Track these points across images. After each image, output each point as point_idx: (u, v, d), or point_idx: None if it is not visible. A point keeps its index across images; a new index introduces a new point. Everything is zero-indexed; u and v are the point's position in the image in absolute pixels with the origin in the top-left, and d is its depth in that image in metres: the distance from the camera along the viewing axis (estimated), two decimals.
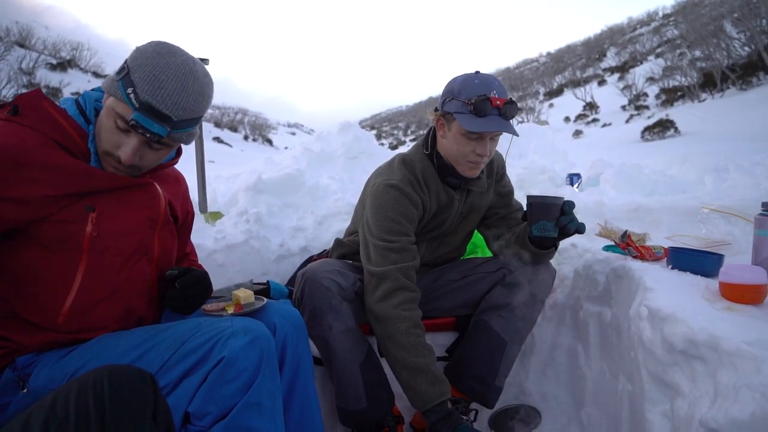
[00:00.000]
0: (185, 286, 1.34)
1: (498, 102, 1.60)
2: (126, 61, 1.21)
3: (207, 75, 1.28)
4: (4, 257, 1.17)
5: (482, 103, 1.59)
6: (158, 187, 1.38)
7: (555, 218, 1.60)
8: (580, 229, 1.62)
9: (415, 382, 1.57)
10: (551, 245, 1.75)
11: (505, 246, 1.89)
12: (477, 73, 1.68)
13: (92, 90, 1.35)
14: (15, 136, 1.14)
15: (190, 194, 1.66)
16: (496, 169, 1.95)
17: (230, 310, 1.35)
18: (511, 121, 1.64)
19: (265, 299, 1.42)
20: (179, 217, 1.50)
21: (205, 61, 3.12)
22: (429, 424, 1.56)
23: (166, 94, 1.18)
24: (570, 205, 1.61)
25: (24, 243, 1.17)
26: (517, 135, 1.66)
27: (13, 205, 1.12)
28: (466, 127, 1.60)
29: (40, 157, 1.15)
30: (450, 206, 1.84)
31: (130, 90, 1.17)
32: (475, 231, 2.07)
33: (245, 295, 1.39)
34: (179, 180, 1.56)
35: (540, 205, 1.61)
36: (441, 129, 1.74)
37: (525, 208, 1.69)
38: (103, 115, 1.23)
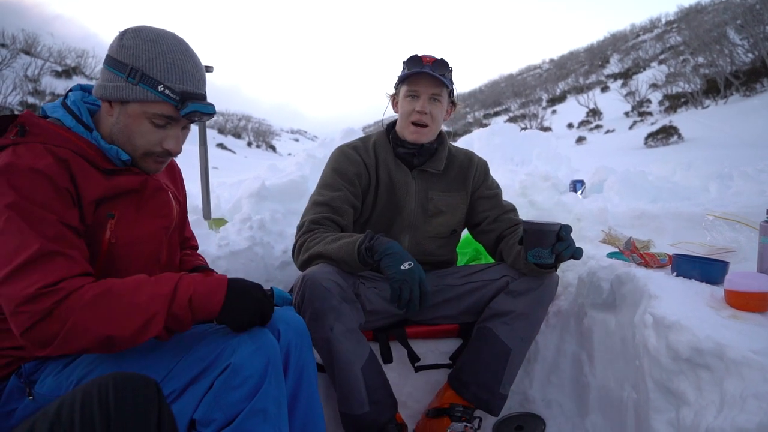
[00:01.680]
0: None
1: (428, 59, 1.84)
2: (125, 63, 1.19)
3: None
4: None
5: (413, 60, 1.85)
6: (169, 194, 1.39)
7: (551, 245, 1.57)
8: (576, 255, 1.59)
9: (340, 242, 1.66)
10: (549, 267, 1.74)
11: (506, 259, 1.89)
12: None
13: (70, 91, 1.32)
14: (48, 156, 1.13)
15: (194, 201, 1.68)
16: (475, 171, 2.03)
17: None
18: (444, 77, 1.83)
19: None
20: (179, 201, 1.53)
21: (208, 68, 3.14)
22: (367, 252, 1.60)
23: (190, 75, 1.22)
24: (566, 230, 1.58)
25: None
26: (449, 86, 1.87)
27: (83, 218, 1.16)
28: (400, 77, 1.87)
29: (75, 166, 1.16)
30: (405, 182, 1.95)
31: (161, 87, 1.18)
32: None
33: None
34: (173, 167, 1.57)
35: (535, 232, 1.57)
36: (395, 107, 1.97)
37: (521, 220, 1.68)
38: (131, 122, 1.22)
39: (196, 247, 1.73)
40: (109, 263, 1.23)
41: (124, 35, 1.22)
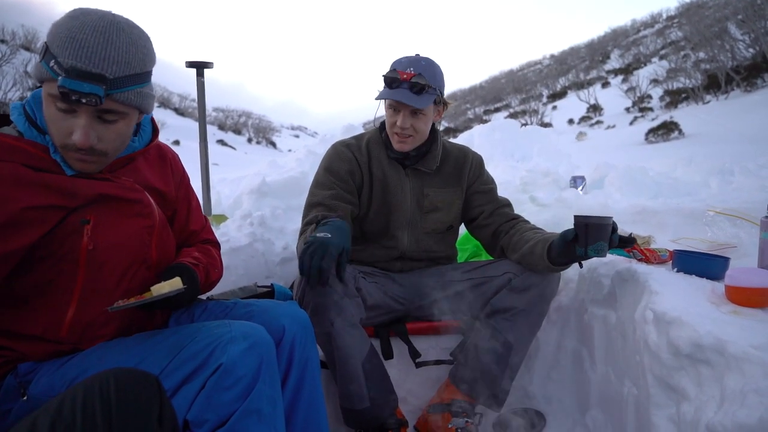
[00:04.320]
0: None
1: (405, 76, 1.75)
2: (45, 41, 1.11)
3: (136, 27, 1.16)
4: (7, 276, 1.15)
5: (390, 77, 1.78)
6: (146, 193, 1.33)
7: (609, 237, 1.57)
8: (629, 243, 1.62)
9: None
10: (573, 261, 1.72)
11: (509, 255, 1.88)
12: (415, 54, 1.85)
13: (38, 88, 1.21)
14: None
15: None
16: (470, 166, 2.02)
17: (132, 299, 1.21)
18: (422, 95, 1.76)
19: (183, 287, 1.24)
20: (171, 194, 1.44)
21: (208, 64, 3.12)
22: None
23: (90, 52, 1.06)
24: (615, 223, 1.59)
25: (24, 261, 1.15)
26: (419, 107, 1.76)
27: (13, 235, 1.10)
28: (377, 97, 1.83)
29: (14, 184, 1.11)
30: (399, 180, 1.95)
31: (52, 62, 1.06)
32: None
33: (157, 287, 1.22)
34: (163, 156, 1.45)
35: (597, 226, 1.56)
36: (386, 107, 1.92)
37: (575, 228, 1.60)
38: (45, 108, 1.12)
39: (211, 240, 1.61)
40: (92, 269, 1.19)
41: (64, 15, 1.12)
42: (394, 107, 1.83)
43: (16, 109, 1.19)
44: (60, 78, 1.04)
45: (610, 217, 1.57)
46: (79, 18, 1.08)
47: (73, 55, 1.05)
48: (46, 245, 1.15)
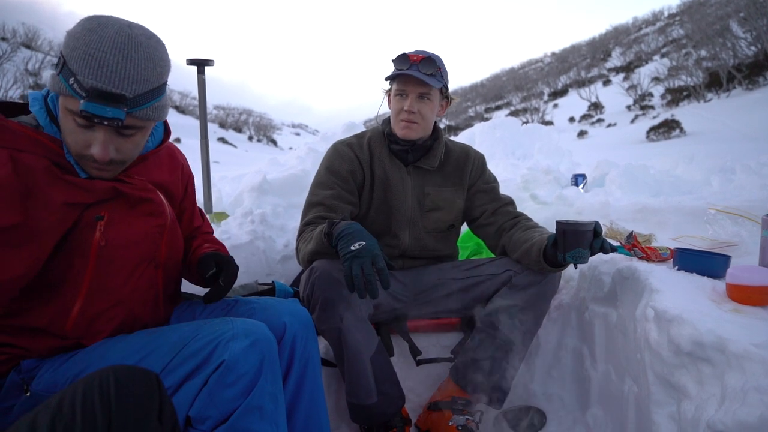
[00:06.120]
0: (227, 283, 1.39)
1: (415, 58, 1.82)
2: (61, 52, 1.10)
3: (152, 37, 1.15)
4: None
5: (400, 59, 1.84)
6: (159, 193, 1.34)
7: (589, 244, 1.55)
8: (608, 250, 1.59)
9: (313, 236, 1.69)
10: (561, 265, 1.71)
11: (510, 254, 1.88)
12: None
13: (42, 87, 1.26)
14: (7, 162, 1.07)
15: (196, 195, 1.64)
16: (472, 165, 2.03)
17: None
18: (430, 77, 1.81)
19: None
20: (178, 196, 1.47)
21: (209, 62, 3.12)
22: (328, 239, 1.58)
23: (110, 71, 1.06)
24: (599, 227, 1.58)
25: None
26: (437, 85, 1.83)
27: (48, 229, 1.11)
28: (387, 77, 1.87)
29: (40, 173, 1.11)
30: (400, 179, 1.95)
31: (71, 80, 1.06)
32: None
33: None
34: (172, 155, 1.47)
35: (575, 232, 1.54)
36: (389, 103, 1.96)
37: (556, 234, 1.59)
38: (62, 119, 1.13)
39: (211, 232, 1.67)
40: (101, 265, 1.20)
41: (78, 23, 1.12)
42: (402, 93, 1.86)
43: (37, 100, 1.18)
44: (82, 102, 1.04)
45: (591, 223, 1.54)
46: (96, 31, 1.07)
47: (93, 75, 1.05)
48: (60, 239, 1.16)
